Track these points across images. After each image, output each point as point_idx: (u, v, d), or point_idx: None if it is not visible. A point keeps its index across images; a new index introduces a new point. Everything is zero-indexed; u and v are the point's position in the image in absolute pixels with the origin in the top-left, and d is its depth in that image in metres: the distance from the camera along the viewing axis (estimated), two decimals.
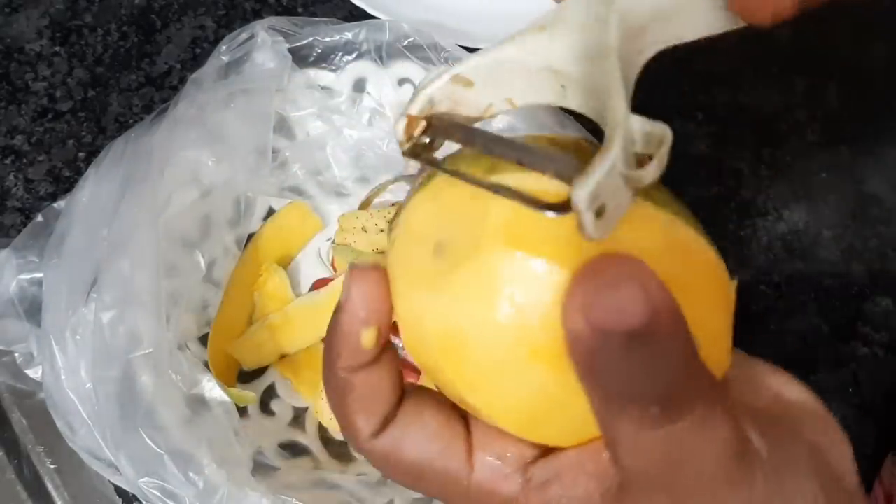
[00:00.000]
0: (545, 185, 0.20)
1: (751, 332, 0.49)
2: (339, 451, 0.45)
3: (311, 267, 0.48)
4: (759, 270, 0.50)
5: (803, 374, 0.50)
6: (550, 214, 0.19)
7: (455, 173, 0.22)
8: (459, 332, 0.21)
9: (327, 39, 0.46)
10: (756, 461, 0.20)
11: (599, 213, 0.19)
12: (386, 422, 0.23)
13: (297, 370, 0.45)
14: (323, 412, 0.44)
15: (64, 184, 0.50)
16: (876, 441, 0.46)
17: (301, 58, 0.46)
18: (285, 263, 0.48)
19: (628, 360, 0.18)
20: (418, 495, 0.42)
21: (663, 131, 0.21)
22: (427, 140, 0.23)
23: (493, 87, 0.24)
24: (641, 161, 0.21)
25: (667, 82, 0.51)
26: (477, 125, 0.24)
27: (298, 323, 0.45)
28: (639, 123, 0.21)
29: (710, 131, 0.53)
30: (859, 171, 0.52)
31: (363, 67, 0.47)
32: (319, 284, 0.47)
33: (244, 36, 0.44)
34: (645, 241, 0.21)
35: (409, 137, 0.23)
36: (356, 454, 0.45)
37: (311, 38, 0.46)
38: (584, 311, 0.18)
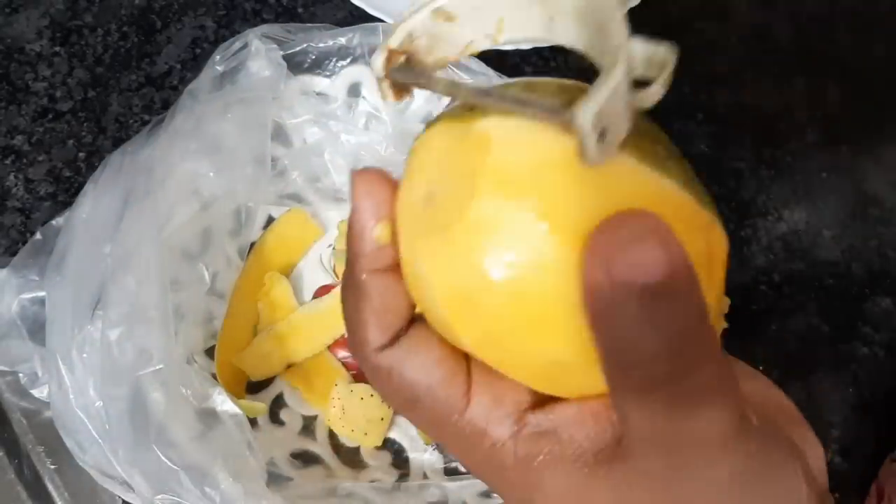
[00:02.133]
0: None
1: (751, 332, 0.49)
2: (350, 457, 0.45)
3: (313, 274, 0.48)
4: (760, 270, 0.50)
5: (803, 373, 0.51)
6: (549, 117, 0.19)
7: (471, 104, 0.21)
8: (462, 290, 0.21)
9: (321, 45, 0.46)
10: (752, 430, 0.21)
11: (601, 136, 0.19)
12: (395, 337, 0.23)
13: (305, 378, 0.46)
14: (333, 418, 0.44)
15: (64, 184, 0.50)
16: (875, 441, 0.46)
17: (295, 64, 0.46)
18: (287, 271, 0.48)
19: (644, 314, 0.18)
20: (433, 499, 0.42)
21: (666, 53, 0.21)
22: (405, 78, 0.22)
23: (475, 20, 0.23)
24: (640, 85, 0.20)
25: None
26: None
27: (304, 331, 0.45)
28: (640, 46, 0.21)
29: (710, 131, 0.53)
30: (859, 171, 0.52)
31: (358, 72, 0.47)
32: (322, 291, 0.47)
33: (238, 45, 0.44)
34: (636, 200, 0.20)
35: (388, 73, 0.22)
36: (366, 460, 0.45)
37: (304, 45, 0.46)
38: (605, 263, 0.18)
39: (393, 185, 0.22)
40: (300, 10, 0.55)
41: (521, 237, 0.20)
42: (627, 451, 0.21)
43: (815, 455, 0.24)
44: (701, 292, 0.19)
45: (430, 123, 0.23)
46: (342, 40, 0.46)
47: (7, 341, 0.42)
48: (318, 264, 0.48)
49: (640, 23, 0.22)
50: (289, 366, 0.46)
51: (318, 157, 0.48)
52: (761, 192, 0.51)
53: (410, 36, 0.22)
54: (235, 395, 0.43)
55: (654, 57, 0.21)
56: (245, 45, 0.44)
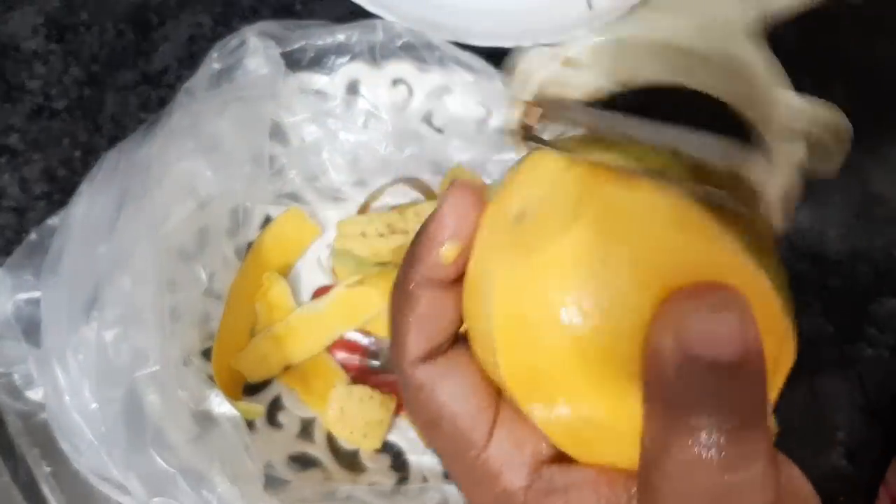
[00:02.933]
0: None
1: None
2: (349, 460, 0.44)
3: (311, 274, 0.47)
4: None
5: (808, 375, 0.50)
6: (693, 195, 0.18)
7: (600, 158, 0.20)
8: (523, 318, 0.20)
9: (319, 42, 0.46)
10: None
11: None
12: (435, 353, 0.22)
13: (303, 380, 0.45)
14: (331, 421, 0.44)
15: (59, 183, 0.49)
16: (881, 444, 0.46)
17: (293, 62, 0.45)
18: (285, 272, 0.47)
19: (708, 391, 0.17)
20: (433, 502, 0.42)
21: (836, 118, 0.20)
22: (538, 126, 0.22)
23: (604, 67, 0.23)
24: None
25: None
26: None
27: (302, 333, 0.45)
28: (797, 100, 0.20)
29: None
30: (865, 170, 0.52)
31: (356, 69, 0.46)
32: (321, 292, 0.47)
33: (235, 42, 0.44)
34: (723, 270, 0.19)
35: (522, 125, 0.22)
36: (365, 463, 0.44)
37: (302, 42, 0.45)
38: (677, 329, 0.17)
39: (483, 207, 0.22)
40: (298, 7, 0.54)
41: (606, 286, 0.19)
42: None
43: (797, 497, 0.23)
44: (767, 383, 0.18)
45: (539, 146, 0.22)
46: (341, 37, 0.46)
47: (2, 342, 0.42)
48: (317, 265, 0.48)
49: None
50: (287, 367, 0.45)
51: (316, 156, 0.48)
52: None
53: (541, 86, 0.23)
54: (232, 397, 0.42)
55: (817, 117, 0.20)
56: (242, 43, 0.44)
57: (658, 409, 0.18)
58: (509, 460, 0.22)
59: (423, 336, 0.22)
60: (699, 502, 0.18)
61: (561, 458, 0.22)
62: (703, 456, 0.17)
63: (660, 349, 0.18)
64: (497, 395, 0.23)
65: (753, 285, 0.20)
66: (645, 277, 0.19)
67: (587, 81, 0.23)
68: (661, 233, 0.19)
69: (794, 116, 0.19)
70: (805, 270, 0.49)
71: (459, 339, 0.23)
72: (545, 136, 0.22)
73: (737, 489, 0.18)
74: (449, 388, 0.22)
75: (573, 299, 0.19)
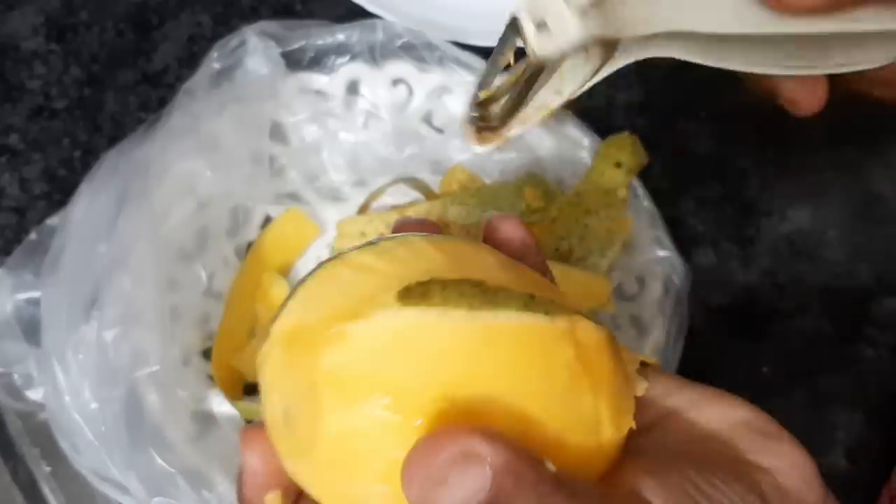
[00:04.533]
0: None
1: (754, 333, 0.48)
2: None
3: None
4: (764, 271, 0.49)
5: (807, 375, 0.50)
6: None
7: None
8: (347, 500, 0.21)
9: (319, 42, 0.46)
10: None
11: (541, 28, 0.19)
12: None
13: None
14: None
15: (59, 183, 0.49)
16: (881, 444, 0.46)
17: (293, 62, 0.45)
18: (285, 272, 0.47)
19: None
20: None
21: None
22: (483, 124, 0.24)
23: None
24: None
25: (670, 81, 0.50)
26: None
27: None
28: None
29: (714, 130, 0.52)
30: (865, 170, 0.52)
31: (356, 69, 0.46)
32: None
33: (235, 42, 0.44)
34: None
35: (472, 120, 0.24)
36: None
37: (303, 42, 0.45)
38: (424, 497, 0.18)
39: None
40: (298, 6, 0.54)
41: (380, 440, 0.20)
42: None
43: (800, 475, 0.23)
44: (540, 471, 0.18)
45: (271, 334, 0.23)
46: (341, 37, 0.46)
47: (2, 342, 0.42)
48: (316, 264, 0.48)
49: None
50: None
51: (316, 156, 0.48)
52: (766, 191, 0.51)
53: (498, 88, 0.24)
54: (232, 396, 0.42)
55: None
56: (242, 43, 0.44)
57: None
58: None
59: None
60: None
61: None
62: None
63: None
64: None
65: (493, 333, 0.21)
66: (404, 410, 0.20)
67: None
68: (390, 360, 0.20)
69: None
70: (805, 270, 0.49)
71: None
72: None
73: None
74: None
75: (364, 469, 0.20)
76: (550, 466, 0.19)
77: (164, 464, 0.37)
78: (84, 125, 0.51)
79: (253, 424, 0.23)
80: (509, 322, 0.20)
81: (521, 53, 0.25)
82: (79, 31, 0.53)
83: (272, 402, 0.22)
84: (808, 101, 0.31)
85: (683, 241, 0.46)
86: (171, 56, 0.53)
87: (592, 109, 0.48)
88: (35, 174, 0.50)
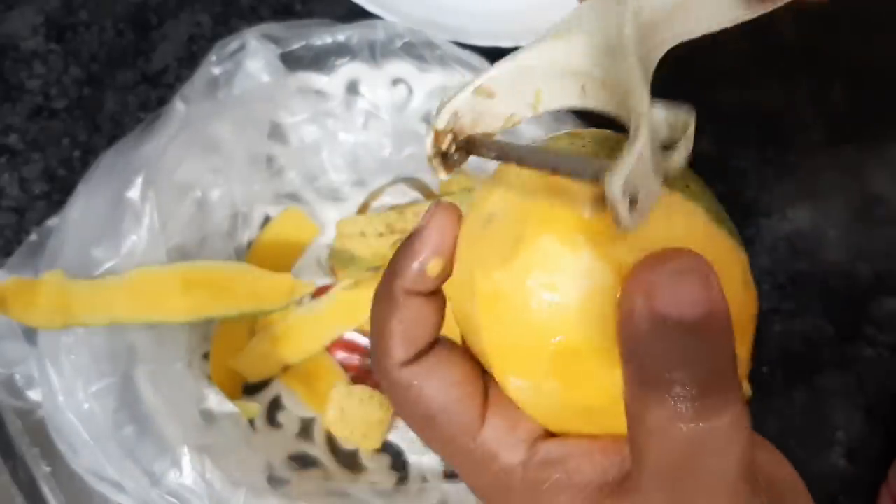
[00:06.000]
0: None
1: (755, 333, 0.48)
2: (349, 460, 0.44)
3: (310, 275, 0.47)
4: (764, 271, 0.49)
5: (807, 375, 0.50)
6: (587, 213, 0.20)
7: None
8: (503, 300, 0.21)
9: (319, 42, 0.46)
10: (760, 489, 0.21)
11: (633, 202, 0.19)
12: (419, 355, 0.24)
13: (303, 380, 0.45)
14: (331, 420, 0.44)
15: (59, 183, 0.49)
16: (881, 444, 0.46)
17: (293, 62, 0.45)
18: (285, 271, 0.47)
19: (678, 348, 0.18)
20: (433, 502, 0.42)
21: (687, 116, 0.22)
22: (456, 156, 0.25)
23: (514, 95, 0.24)
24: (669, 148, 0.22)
25: (671, 80, 0.50)
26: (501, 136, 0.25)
27: (301, 333, 0.45)
28: (662, 112, 0.22)
29: (714, 130, 0.52)
30: (865, 170, 0.52)
31: (356, 69, 0.46)
32: (320, 292, 0.46)
33: (234, 46, 0.44)
34: (682, 236, 0.21)
35: (437, 152, 0.25)
36: (365, 463, 0.45)
37: (302, 42, 0.45)
38: (646, 292, 0.19)
39: (460, 224, 0.23)
40: (298, 6, 0.54)
41: (569, 273, 0.21)
42: (634, 487, 0.21)
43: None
44: (733, 339, 0.19)
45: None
46: (341, 37, 0.46)
47: (3, 342, 0.41)
48: (316, 264, 0.48)
49: None
50: (287, 367, 0.45)
51: (315, 156, 0.48)
52: (765, 191, 0.51)
53: (455, 115, 0.24)
54: (231, 396, 0.42)
55: (676, 120, 0.23)
56: (242, 46, 0.44)
57: (634, 368, 0.19)
58: (505, 440, 0.23)
59: (408, 341, 0.24)
60: (678, 453, 0.19)
61: (552, 435, 0.23)
62: (678, 409, 0.19)
63: (631, 312, 0.19)
64: (485, 382, 0.24)
65: (714, 243, 0.22)
66: (605, 257, 0.20)
67: (499, 109, 0.25)
68: (597, 228, 0.21)
69: (656, 127, 0.22)
70: (805, 270, 0.49)
71: (440, 341, 0.24)
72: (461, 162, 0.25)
73: (715, 439, 0.19)
74: (436, 384, 0.23)
75: (545, 291, 0.21)
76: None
77: (161, 463, 0.37)
78: (84, 125, 0.51)
79: (447, 202, 0.24)
80: (722, 237, 0.22)
81: None
82: (78, 30, 0.53)
83: (482, 205, 0.23)
84: None
85: None
86: (170, 56, 0.53)
87: (592, 109, 0.48)
88: (35, 174, 0.50)
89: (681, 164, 0.22)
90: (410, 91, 0.47)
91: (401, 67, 0.46)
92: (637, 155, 0.19)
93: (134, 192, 0.40)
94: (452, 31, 0.48)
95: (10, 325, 0.41)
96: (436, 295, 0.24)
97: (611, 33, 0.23)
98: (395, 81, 0.47)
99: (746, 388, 0.23)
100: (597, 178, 0.20)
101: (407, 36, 0.46)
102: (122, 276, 0.40)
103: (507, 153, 0.23)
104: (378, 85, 0.47)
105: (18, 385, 0.42)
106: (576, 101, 0.24)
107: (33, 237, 0.43)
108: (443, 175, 0.25)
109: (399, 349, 0.23)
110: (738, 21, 0.26)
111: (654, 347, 0.19)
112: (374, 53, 0.46)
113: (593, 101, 0.23)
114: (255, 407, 0.44)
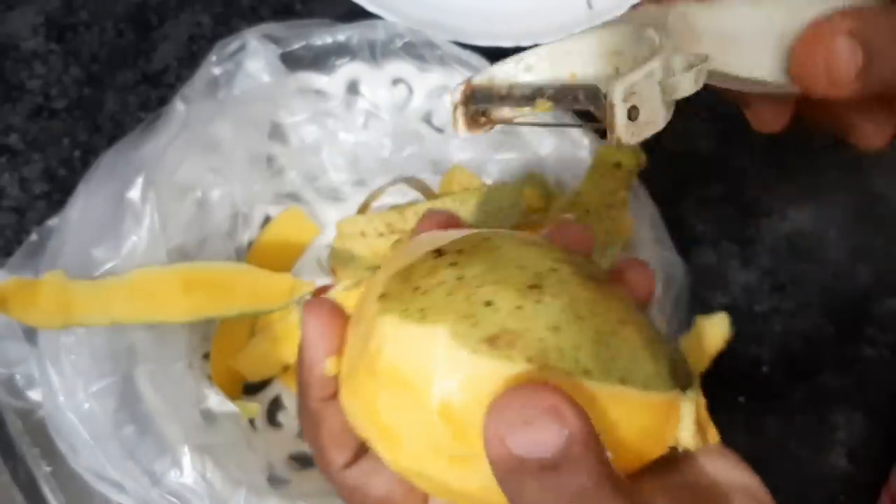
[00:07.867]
0: None
1: (755, 333, 0.48)
2: None
3: (310, 275, 0.47)
4: (764, 271, 0.49)
5: (808, 375, 0.50)
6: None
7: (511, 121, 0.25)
8: (387, 427, 0.22)
9: (319, 42, 0.45)
10: None
11: (632, 115, 0.19)
12: (357, 455, 0.25)
13: None
14: None
15: (59, 183, 0.49)
16: (882, 444, 0.46)
17: (293, 62, 0.45)
18: (285, 272, 0.47)
19: (543, 484, 0.19)
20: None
21: (702, 63, 0.23)
22: (475, 109, 0.26)
23: (551, 70, 0.26)
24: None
25: None
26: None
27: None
28: (680, 59, 0.23)
29: (714, 130, 0.52)
30: (866, 170, 0.52)
31: (356, 69, 0.46)
32: (320, 292, 0.46)
33: (234, 46, 0.44)
34: None
35: (465, 100, 0.26)
36: None
37: (302, 42, 0.45)
38: (500, 440, 0.19)
39: (344, 319, 0.24)
40: (298, 6, 0.54)
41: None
42: None
43: None
44: (602, 454, 0.20)
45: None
46: (341, 37, 0.46)
47: (3, 342, 0.42)
48: (316, 264, 0.48)
49: None
50: (287, 367, 0.45)
51: (315, 156, 0.48)
52: (766, 191, 0.51)
53: (492, 79, 0.26)
54: (231, 396, 0.42)
55: (693, 62, 0.24)
56: (242, 47, 0.44)
57: (511, 500, 0.20)
58: None
59: (340, 447, 0.25)
60: None
61: None
62: None
63: (492, 456, 0.20)
64: None
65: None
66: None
67: (531, 80, 0.26)
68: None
69: (670, 66, 0.24)
70: (805, 270, 0.49)
71: None
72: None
73: None
74: (382, 480, 0.25)
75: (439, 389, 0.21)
76: (609, 455, 0.20)
77: (161, 463, 0.37)
78: (84, 125, 0.51)
79: (318, 297, 0.24)
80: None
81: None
82: (79, 30, 0.53)
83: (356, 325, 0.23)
84: (772, 122, 0.34)
85: (683, 241, 0.46)
86: (170, 56, 0.53)
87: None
88: (35, 174, 0.50)
89: (687, 90, 0.23)
90: (411, 91, 0.47)
91: (401, 67, 0.46)
92: (646, 72, 0.20)
93: (134, 193, 0.40)
94: (452, 31, 0.48)
95: (10, 325, 0.41)
96: None
97: (652, 22, 0.24)
98: (396, 81, 0.47)
99: (713, 435, 0.23)
100: (600, 100, 0.20)
101: (407, 36, 0.46)
102: (123, 277, 0.40)
103: (511, 91, 0.24)
104: (378, 85, 0.47)
105: (19, 385, 0.42)
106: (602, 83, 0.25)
107: (33, 237, 0.43)
108: (460, 126, 0.26)
109: (336, 456, 0.25)
110: (776, 89, 0.27)
111: (523, 487, 0.20)
112: (375, 53, 0.46)
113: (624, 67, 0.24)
114: (255, 407, 0.44)
